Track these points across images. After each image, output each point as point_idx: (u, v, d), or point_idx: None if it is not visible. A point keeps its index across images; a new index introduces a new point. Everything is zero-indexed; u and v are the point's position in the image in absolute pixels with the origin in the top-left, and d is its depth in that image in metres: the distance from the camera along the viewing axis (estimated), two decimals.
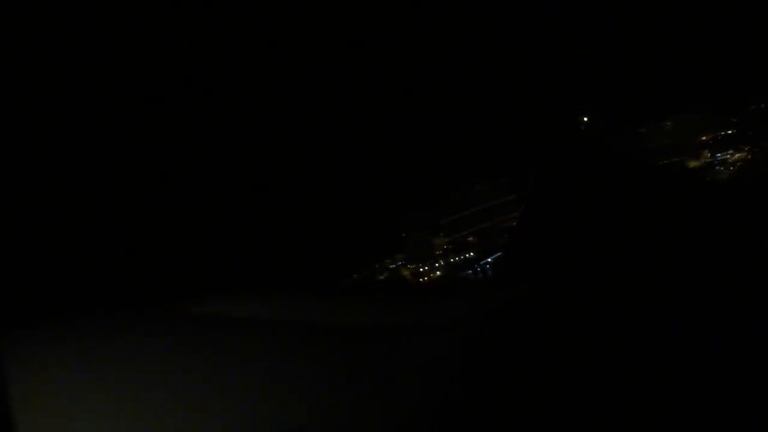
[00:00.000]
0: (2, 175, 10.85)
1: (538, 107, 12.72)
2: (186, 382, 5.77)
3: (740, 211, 8.45)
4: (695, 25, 12.65)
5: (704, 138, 13.01)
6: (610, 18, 12.73)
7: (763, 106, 12.87)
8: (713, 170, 12.73)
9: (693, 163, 12.86)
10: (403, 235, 12.74)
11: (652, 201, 8.73)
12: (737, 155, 12.73)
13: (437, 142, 12.85)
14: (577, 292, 6.84)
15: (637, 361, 5.03)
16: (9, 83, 11.01)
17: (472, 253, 12.29)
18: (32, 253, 11.00)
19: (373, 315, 7.86)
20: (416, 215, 12.85)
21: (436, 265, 12.32)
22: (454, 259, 12.27)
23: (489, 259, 12.03)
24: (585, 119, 12.18)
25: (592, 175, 9.66)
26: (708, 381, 4.64)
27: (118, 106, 12.13)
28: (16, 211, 10.97)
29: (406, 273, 12.43)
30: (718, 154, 12.75)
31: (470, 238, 12.51)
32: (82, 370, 6.13)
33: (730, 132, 12.90)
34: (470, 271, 12.15)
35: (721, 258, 6.67)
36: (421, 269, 12.34)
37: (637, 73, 13.10)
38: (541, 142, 11.91)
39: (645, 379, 4.79)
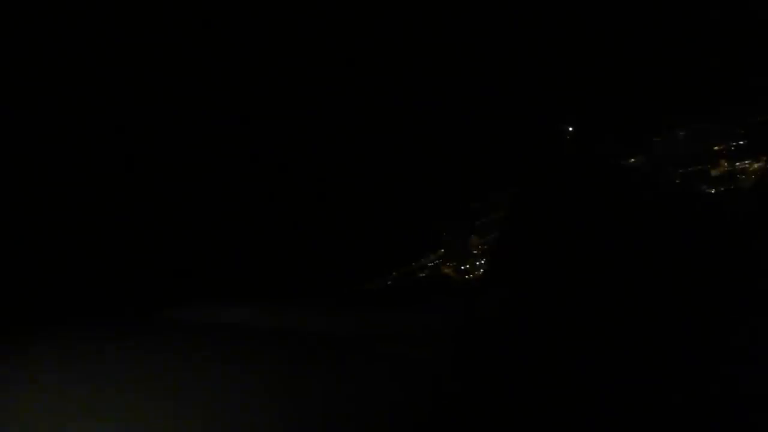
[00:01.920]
0: None
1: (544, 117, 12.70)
2: (174, 389, 5.80)
3: (725, 221, 8.48)
4: (697, 40, 12.83)
5: (717, 148, 13.21)
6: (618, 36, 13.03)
7: None
8: (735, 179, 12.92)
9: (714, 172, 13.06)
10: (444, 234, 12.71)
11: (636, 207, 8.71)
12: (756, 165, 12.90)
13: (472, 145, 13.03)
14: (559, 297, 6.84)
15: (620, 364, 5.09)
16: (9, 83, 11.00)
17: None
18: (20, 258, 10.85)
19: (362, 323, 7.91)
20: (452, 215, 12.91)
21: (477, 263, 12.17)
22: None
23: None
24: (570, 128, 12.18)
25: (577, 182, 9.63)
26: (690, 382, 4.75)
27: (109, 114, 12.03)
28: (5, 218, 10.87)
29: (448, 271, 12.34)
30: (737, 164, 12.95)
31: None
32: (71, 377, 6.13)
33: (742, 142, 13.09)
34: None
35: (702, 265, 6.68)
36: (462, 267, 12.25)
37: (646, 84, 13.43)
38: (527, 149, 12.16)
39: (628, 381, 4.85)
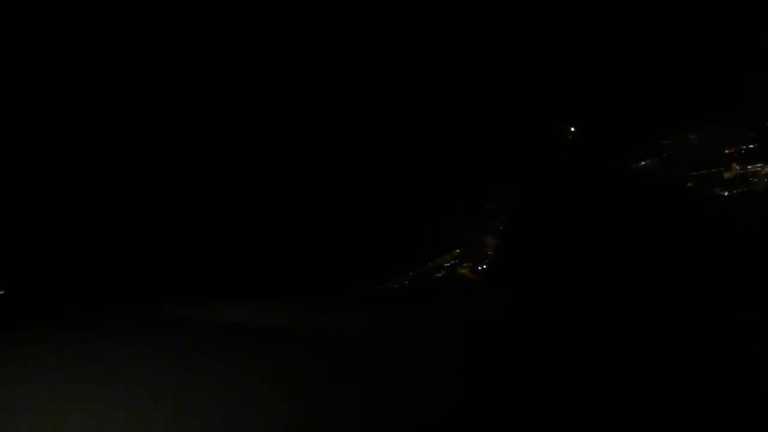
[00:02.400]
0: None
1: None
2: (175, 387, 5.65)
3: (738, 223, 8.50)
4: (708, 42, 12.82)
5: (728, 151, 13.21)
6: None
7: None
8: (747, 182, 12.93)
9: (726, 175, 13.04)
10: (460, 234, 12.73)
11: (638, 207, 8.64)
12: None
13: (487, 146, 12.95)
14: (560, 298, 6.79)
15: (624, 365, 4.97)
16: (9, 83, 10.98)
17: None
18: (19, 257, 10.86)
19: (367, 322, 7.77)
20: (468, 216, 12.82)
21: None
22: None
23: None
24: (572, 128, 12.11)
25: (576, 182, 9.62)
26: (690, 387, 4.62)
27: (108, 112, 11.93)
28: (5, 217, 10.86)
29: (464, 271, 12.35)
30: (749, 167, 12.94)
31: None
32: (70, 376, 5.96)
33: (752, 146, 13.09)
34: None
35: (713, 267, 6.61)
36: (479, 268, 12.19)
37: (655, 86, 13.30)
38: (528, 149, 11.97)
39: (632, 383, 4.72)
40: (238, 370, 5.95)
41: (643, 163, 13.53)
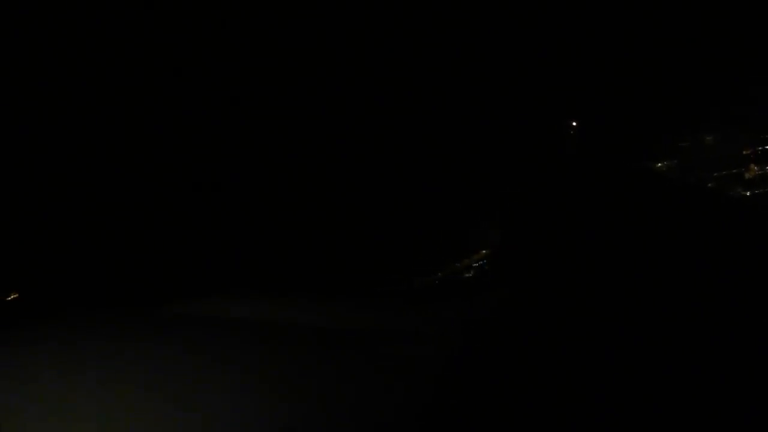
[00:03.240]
0: None
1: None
2: (178, 386, 5.62)
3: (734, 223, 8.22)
4: (723, 44, 12.62)
5: (745, 152, 13.07)
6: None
7: None
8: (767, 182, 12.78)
9: (747, 175, 12.96)
10: (491, 235, 12.19)
11: (639, 206, 8.48)
12: None
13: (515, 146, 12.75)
14: (560, 298, 6.70)
15: (619, 366, 4.88)
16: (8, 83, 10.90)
17: None
18: (20, 254, 10.68)
19: (363, 322, 7.69)
20: (495, 216, 12.30)
21: None
22: None
23: None
24: (574, 123, 11.89)
25: (577, 180, 9.58)
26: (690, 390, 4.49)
27: (106, 107, 11.81)
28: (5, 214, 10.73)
29: None
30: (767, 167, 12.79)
31: None
32: (72, 376, 5.93)
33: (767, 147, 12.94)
34: None
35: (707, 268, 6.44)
36: None
37: (671, 89, 13.14)
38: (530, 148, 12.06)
39: (629, 384, 4.65)
40: (239, 370, 5.88)
41: (659, 164, 13.41)
